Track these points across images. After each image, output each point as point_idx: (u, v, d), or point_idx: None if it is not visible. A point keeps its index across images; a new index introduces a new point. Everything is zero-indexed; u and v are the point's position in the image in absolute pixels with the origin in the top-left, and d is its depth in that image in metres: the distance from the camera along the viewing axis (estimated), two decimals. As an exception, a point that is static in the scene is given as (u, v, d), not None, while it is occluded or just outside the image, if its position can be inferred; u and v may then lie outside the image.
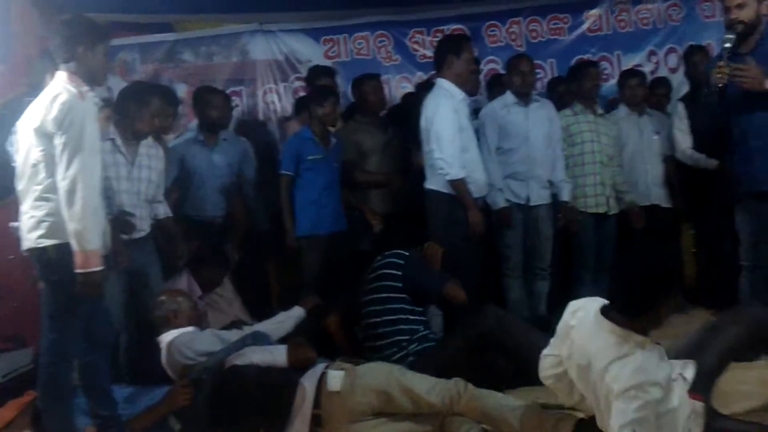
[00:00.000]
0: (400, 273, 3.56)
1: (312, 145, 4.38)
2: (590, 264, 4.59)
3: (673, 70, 5.63)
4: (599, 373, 2.30)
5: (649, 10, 5.70)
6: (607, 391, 2.27)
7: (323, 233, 4.38)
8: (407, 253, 3.64)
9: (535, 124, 4.48)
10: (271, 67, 5.65)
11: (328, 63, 5.44)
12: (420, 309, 3.62)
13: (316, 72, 5.02)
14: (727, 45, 3.38)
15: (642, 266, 2.40)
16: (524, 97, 4.50)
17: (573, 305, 2.52)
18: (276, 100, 5.66)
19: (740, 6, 3.37)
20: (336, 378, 2.90)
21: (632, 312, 2.34)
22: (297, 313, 3.69)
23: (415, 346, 3.48)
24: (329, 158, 4.42)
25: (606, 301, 2.44)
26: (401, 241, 3.77)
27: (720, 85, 3.31)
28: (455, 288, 3.57)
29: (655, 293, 2.35)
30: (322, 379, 2.92)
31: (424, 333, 3.55)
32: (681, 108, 4.89)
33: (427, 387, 2.86)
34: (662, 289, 2.36)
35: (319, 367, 2.99)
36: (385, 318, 3.54)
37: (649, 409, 2.21)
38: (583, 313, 2.45)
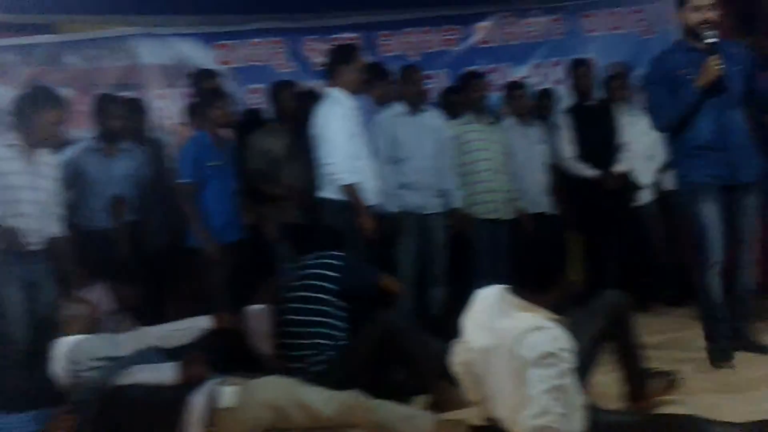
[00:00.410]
0: (337, 274, 3.46)
1: (211, 151, 4.27)
2: (486, 269, 4.69)
3: (558, 82, 5.86)
4: (510, 348, 2.29)
5: (534, 24, 5.92)
6: (521, 365, 2.27)
7: (227, 242, 4.27)
8: (343, 254, 3.59)
9: (425, 134, 4.56)
10: (161, 72, 5.51)
11: (220, 68, 5.34)
12: (344, 315, 3.51)
13: (201, 75, 4.90)
14: (714, 40, 3.50)
15: (539, 245, 2.56)
16: (414, 107, 4.57)
17: (477, 294, 2.54)
18: (166, 105, 5.49)
19: (712, 6, 3.52)
20: (228, 394, 2.85)
21: (538, 288, 2.41)
22: (201, 323, 3.48)
23: (333, 354, 3.39)
24: (228, 163, 4.34)
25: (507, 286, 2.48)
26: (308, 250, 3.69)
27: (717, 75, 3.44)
28: (390, 279, 3.64)
29: (555, 269, 2.46)
30: (213, 396, 2.86)
31: (345, 342, 3.46)
32: (565, 118, 5.13)
33: (323, 400, 2.85)
34: (560, 265, 2.50)
35: (211, 383, 2.93)
36: (309, 318, 3.42)
37: (566, 379, 2.25)
38: (488, 297, 2.48)
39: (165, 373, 2.95)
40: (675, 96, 3.53)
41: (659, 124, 3.71)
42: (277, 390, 2.88)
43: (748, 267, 3.62)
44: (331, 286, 3.45)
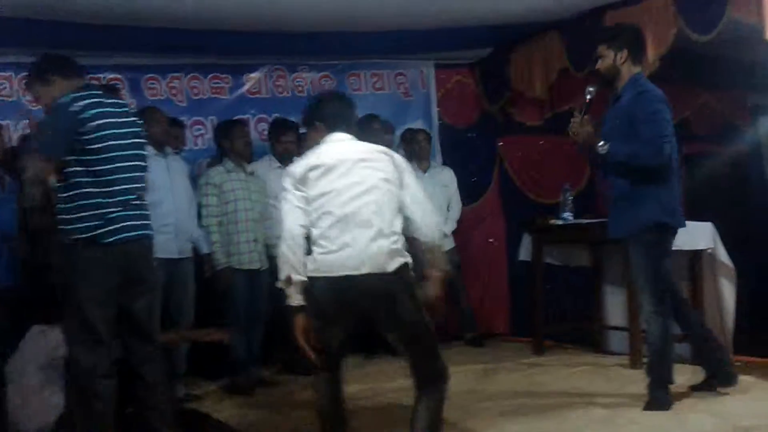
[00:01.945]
0: None
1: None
2: (240, 317, 4.67)
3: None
4: None
5: (303, 79, 6.08)
6: None
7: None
8: None
9: (175, 177, 4.54)
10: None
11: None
12: None
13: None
14: (588, 96, 3.71)
15: None
16: (161, 148, 4.53)
17: None
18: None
19: (599, 57, 3.72)
20: None
21: None
22: None
23: None
24: None
25: None
26: None
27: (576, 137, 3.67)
28: None
29: None
30: None
31: None
32: None
33: None
34: None
35: None
36: None
37: None
38: None
39: None
40: None
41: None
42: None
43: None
44: None
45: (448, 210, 5.85)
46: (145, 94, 5.58)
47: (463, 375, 4.65)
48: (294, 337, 2.86)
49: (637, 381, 3.96)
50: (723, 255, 4.71)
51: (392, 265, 2.83)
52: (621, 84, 3.68)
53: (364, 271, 2.80)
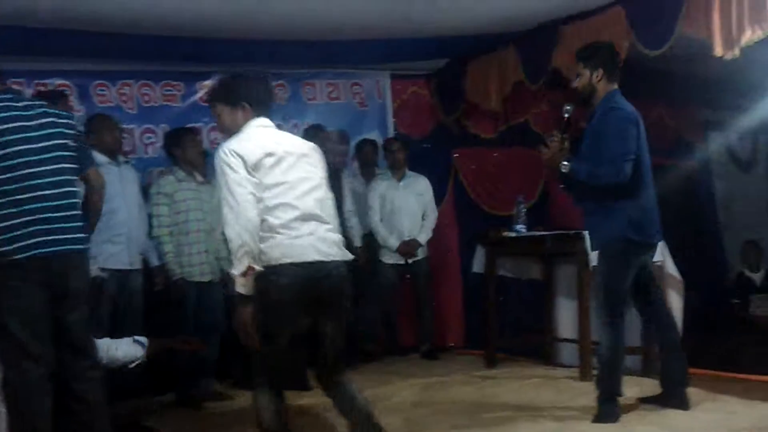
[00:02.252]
0: None
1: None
2: (191, 330, 4.56)
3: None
4: None
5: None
6: None
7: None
8: None
9: (127, 186, 4.48)
10: None
11: None
12: None
13: None
14: (566, 115, 3.75)
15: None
16: (113, 156, 4.46)
17: None
18: None
19: (576, 76, 3.76)
20: None
21: None
22: None
23: None
24: None
25: None
26: None
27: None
28: None
29: None
30: None
31: None
32: None
33: None
34: None
35: None
36: None
37: None
38: None
39: None
40: None
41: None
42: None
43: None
44: None
45: (423, 219, 5.84)
46: (94, 101, 5.47)
47: (415, 387, 4.64)
48: (242, 327, 2.82)
49: (587, 393, 3.97)
50: (672, 268, 4.77)
51: (347, 256, 2.97)
52: (597, 102, 3.74)
53: (332, 258, 2.89)
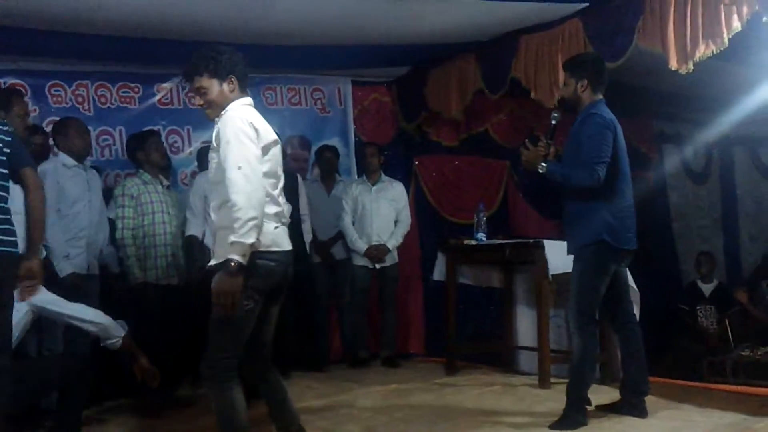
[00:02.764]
0: None
1: None
2: (156, 334, 4.45)
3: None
4: None
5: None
6: None
7: None
8: None
9: (92, 190, 4.42)
10: None
11: None
12: None
13: None
14: (553, 122, 3.77)
15: None
16: (81, 161, 4.39)
17: None
18: None
19: (563, 85, 3.80)
20: None
21: None
22: None
23: None
24: None
25: None
26: None
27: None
28: None
29: None
30: None
31: None
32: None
33: None
34: None
35: None
36: None
37: None
38: None
39: None
40: None
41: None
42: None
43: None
44: None
45: (395, 225, 5.84)
46: (49, 102, 5.38)
47: (375, 395, 4.60)
48: (228, 295, 2.74)
49: (546, 400, 3.97)
50: (628, 278, 4.81)
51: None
52: (581, 110, 3.78)
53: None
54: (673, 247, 8.05)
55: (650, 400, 3.92)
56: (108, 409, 4.49)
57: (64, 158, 4.33)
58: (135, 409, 4.45)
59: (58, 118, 5.28)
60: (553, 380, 4.59)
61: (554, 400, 4.13)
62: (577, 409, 3.68)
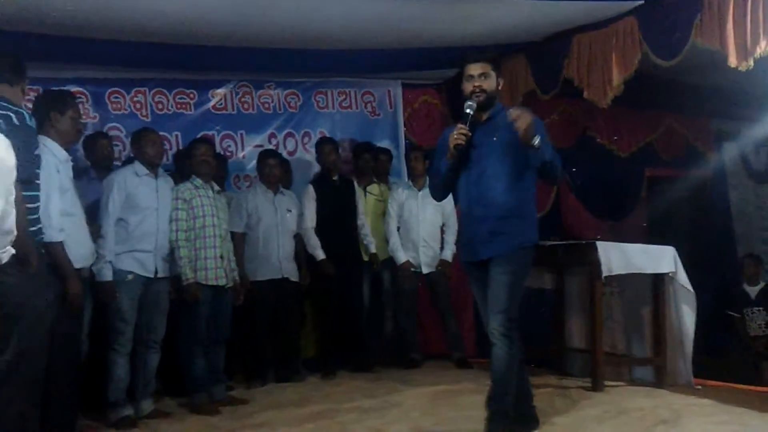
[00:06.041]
0: None
1: None
2: (203, 336, 4.57)
3: (291, 153, 6.05)
4: None
5: (270, 96, 6.06)
6: None
7: None
8: None
9: (162, 198, 4.48)
10: None
11: None
12: None
13: None
14: (468, 111, 3.41)
15: None
16: (154, 169, 4.48)
17: None
18: None
19: (484, 75, 3.48)
20: None
21: None
22: None
23: None
24: None
25: None
26: None
27: (459, 144, 3.35)
28: None
29: None
30: None
31: None
32: (310, 189, 5.41)
33: None
34: None
35: None
36: None
37: None
38: None
39: None
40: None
41: (431, 194, 3.83)
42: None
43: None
44: None
45: (442, 233, 5.81)
46: (108, 108, 5.54)
47: (424, 395, 4.61)
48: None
49: (600, 404, 3.92)
50: (684, 279, 4.73)
51: None
52: (492, 109, 3.53)
53: None
54: (733, 249, 7.84)
55: (708, 404, 3.84)
56: (163, 408, 4.60)
57: (138, 167, 4.43)
58: (191, 411, 4.54)
59: (117, 125, 5.50)
60: (606, 383, 4.54)
61: (608, 403, 4.09)
62: (501, 420, 3.38)
